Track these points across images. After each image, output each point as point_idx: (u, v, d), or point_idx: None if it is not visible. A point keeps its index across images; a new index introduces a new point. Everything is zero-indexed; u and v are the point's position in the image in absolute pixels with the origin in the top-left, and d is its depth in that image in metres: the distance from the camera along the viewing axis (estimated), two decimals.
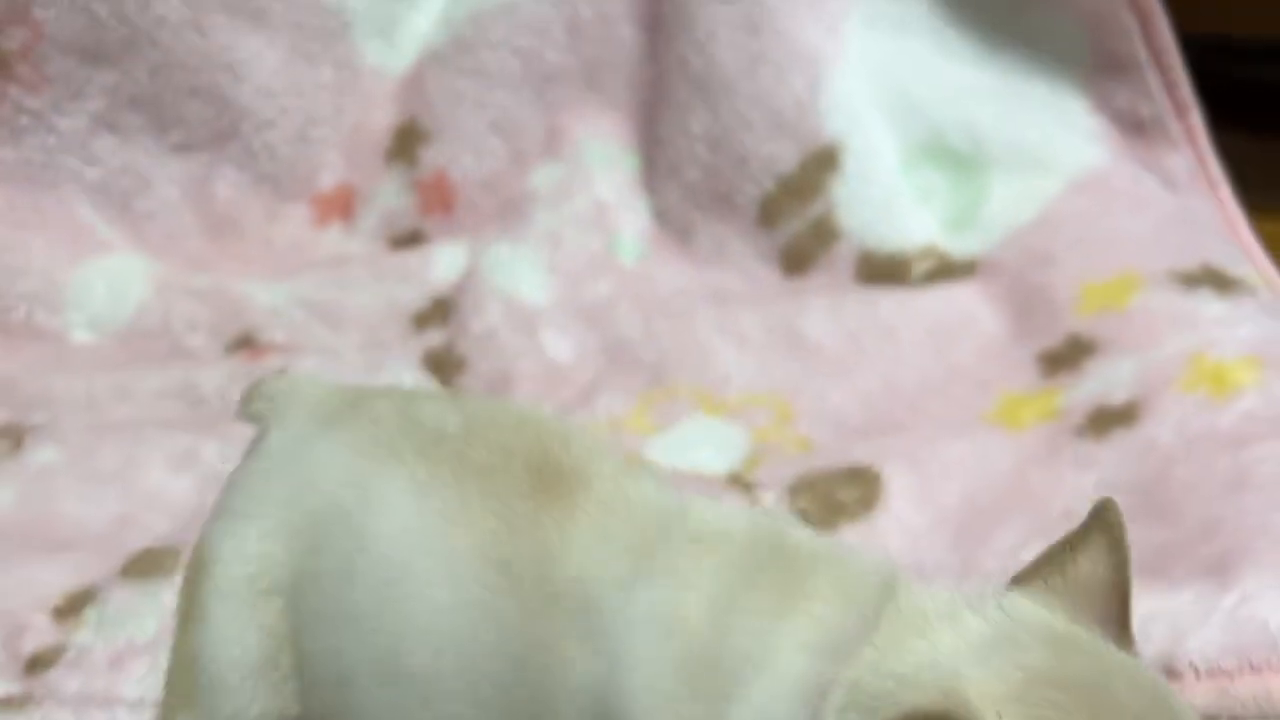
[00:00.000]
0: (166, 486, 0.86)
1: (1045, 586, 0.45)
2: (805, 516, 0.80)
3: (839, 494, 0.83)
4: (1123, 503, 0.75)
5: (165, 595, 0.75)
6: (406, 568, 0.49)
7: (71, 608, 0.76)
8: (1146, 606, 0.64)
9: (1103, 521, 0.46)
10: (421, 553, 0.49)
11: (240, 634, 0.53)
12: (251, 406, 0.59)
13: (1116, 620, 0.45)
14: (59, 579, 0.78)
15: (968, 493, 0.81)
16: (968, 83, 1.11)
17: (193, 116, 1.12)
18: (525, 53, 1.15)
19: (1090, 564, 0.45)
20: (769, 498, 0.84)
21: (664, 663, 0.45)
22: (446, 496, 0.50)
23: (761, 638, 0.44)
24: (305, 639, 0.52)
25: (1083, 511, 0.74)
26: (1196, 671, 0.63)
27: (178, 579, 0.75)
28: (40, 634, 0.75)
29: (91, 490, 0.85)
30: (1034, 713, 0.39)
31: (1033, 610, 0.44)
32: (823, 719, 0.42)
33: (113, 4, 1.06)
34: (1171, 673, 0.62)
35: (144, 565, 0.79)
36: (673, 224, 1.10)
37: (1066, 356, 0.90)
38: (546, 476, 0.50)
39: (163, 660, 0.57)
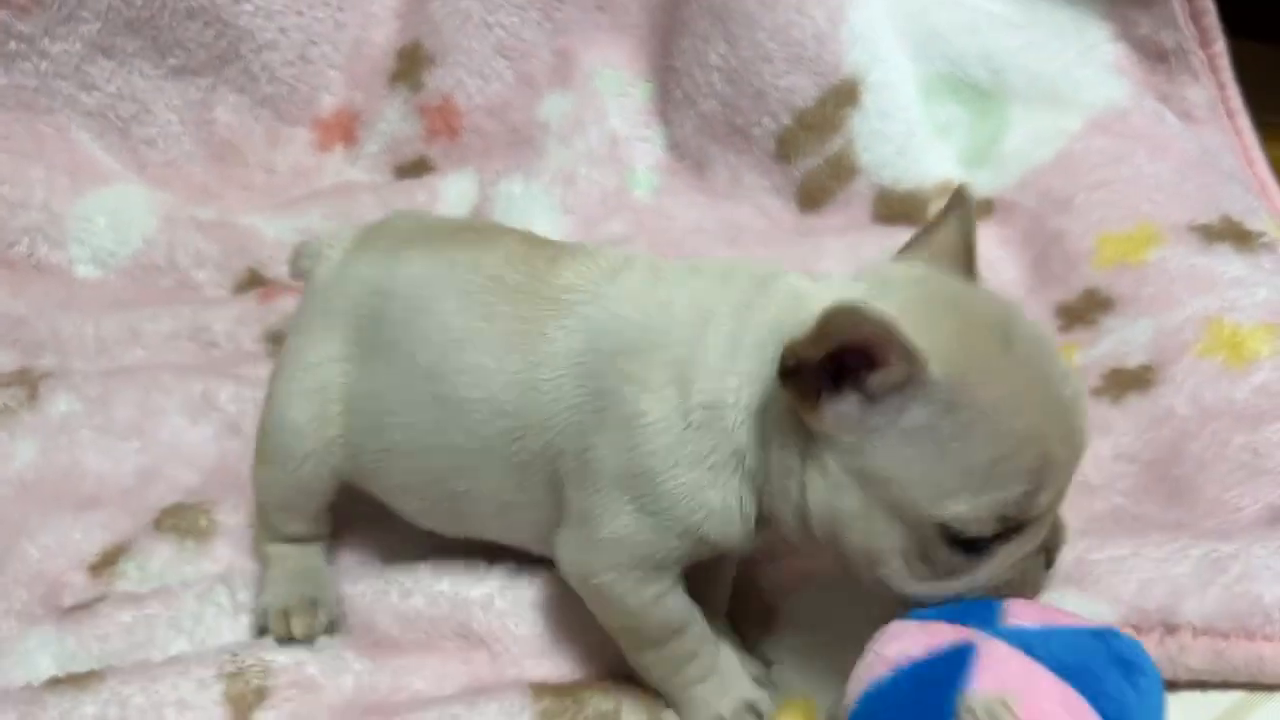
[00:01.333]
0: (186, 436, 0.87)
1: (911, 255, 0.63)
2: None
3: None
4: (1137, 475, 0.77)
5: (204, 561, 0.76)
6: (434, 307, 0.67)
7: (106, 563, 0.77)
8: (1149, 572, 0.66)
9: (957, 203, 0.63)
10: (445, 293, 0.67)
11: (301, 407, 0.70)
12: (298, 264, 0.80)
13: (966, 269, 0.62)
14: (91, 536, 0.79)
15: None
16: (989, 9, 1.08)
17: (190, 39, 1.08)
18: None
19: (946, 234, 0.63)
20: None
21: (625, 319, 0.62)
22: (467, 260, 0.68)
23: (698, 305, 0.61)
24: (363, 397, 0.69)
25: (1100, 481, 0.77)
26: (1194, 629, 0.65)
27: (215, 545, 0.77)
28: (78, 591, 0.76)
29: (112, 444, 0.86)
30: (920, 318, 0.54)
31: (903, 269, 0.61)
32: (748, 353, 0.59)
33: None
34: (1169, 627, 0.64)
35: (176, 520, 0.79)
36: (688, 156, 1.08)
37: (1084, 311, 0.90)
38: (534, 242, 0.70)
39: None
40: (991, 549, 0.56)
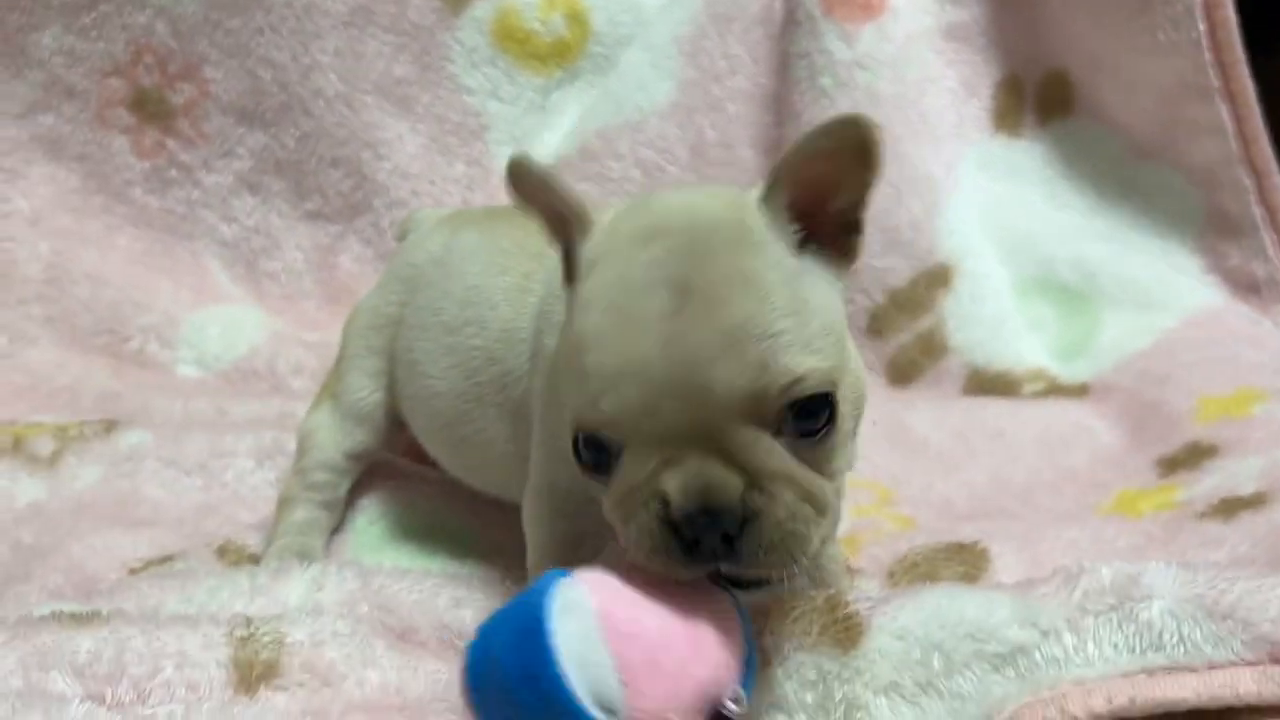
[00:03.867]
0: (249, 478, 0.86)
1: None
2: None
3: (942, 573, 0.78)
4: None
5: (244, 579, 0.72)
6: (464, 269, 0.73)
7: (147, 568, 0.74)
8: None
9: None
10: (475, 257, 0.73)
11: (363, 351, 0.81)
12: (401, 229, 0.92)
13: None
14: (139, 548, 0.76)
15: None
16: (1078, 222, 1.13)
17: (330, 187, 1.17)
18: (647, 165, 1.20)
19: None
20: (872, 584, 0.80)
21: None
22: (505, 230, 0.73)
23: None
24: (403, 348, 0.76)
25: None
26: None
27: (259, 575, 0.73)
28: (113, 585, 0.72)
29: (176, 477, 0.85)
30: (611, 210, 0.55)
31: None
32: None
33: (277, 71, 1.14)
34: None
35: (225, 549, 0.77)
36: None
37: (1186, 459, 0.87)
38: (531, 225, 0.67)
39: None
40: (607, 471, 0.52)
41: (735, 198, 0.54)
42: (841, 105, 1.11)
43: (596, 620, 0.48)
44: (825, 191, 0.53)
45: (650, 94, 1.21)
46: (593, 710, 0.46)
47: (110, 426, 0.89)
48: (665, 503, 0.49)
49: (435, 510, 0.80)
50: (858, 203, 0.54)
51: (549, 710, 0.47)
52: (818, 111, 1.12)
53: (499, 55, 1.20)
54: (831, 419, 0.52)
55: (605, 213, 0.56)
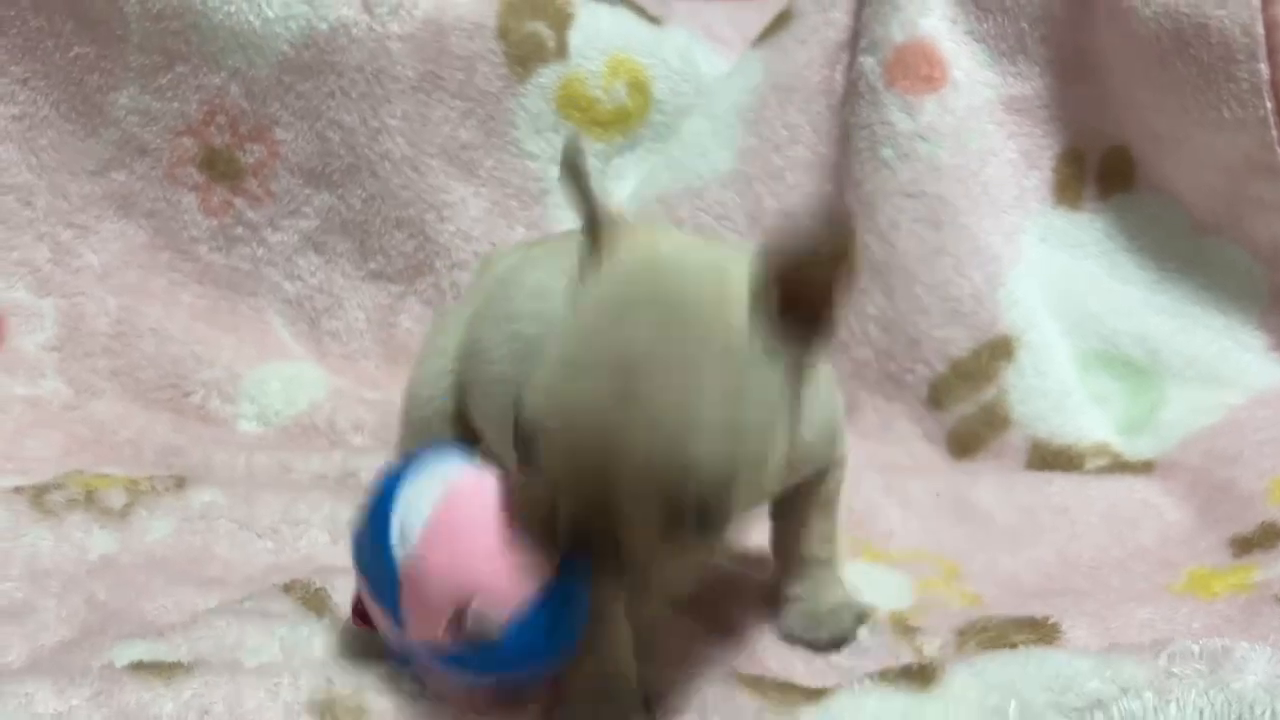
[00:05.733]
0: (322, 551, 0.85)
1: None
2: None
3: (1012, 636, 0.77)
4: None
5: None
6: (531, 273, 0.78)
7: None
8: None
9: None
10: (542, 266, 0.77)
11: (433, 361, 0.85)
12: (481, 262, 1.00)
13: None
14: (202, 602, 0.76)
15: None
16: (1143, 296, 1.12)
17: (393, 247, 1.19)
18: (706, 230, 1.20)
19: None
20: (935, 644, 0.79)
21: None
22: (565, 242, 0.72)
23: None
24: (463, 349, 0.82)
25: None
26: None
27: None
28: None
29: (249, 538, 0.85)
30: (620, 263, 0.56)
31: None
32: None
33: (345, 133, 1.16)
34: None
35: (290, 586, 0.76)
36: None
37: (1261, 540, 0.85)
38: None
39: None
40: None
41: (725, 274, 0.56)
42: (903, 176, 1.12)
43: (442, 489, 0.58)
44: (809, 288, 0.55)
45: (711, 161, 1.22)
46: (394, 534, 0.59)
47: (181, 483, 0.89)
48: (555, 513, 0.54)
49: None
50: (838, 297, 0.56)
51: (370, 518, 0.61)
52: (879, 182, 1.13)
53: (562, 122, 1.22)
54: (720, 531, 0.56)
55: (631, 234, 0.58)
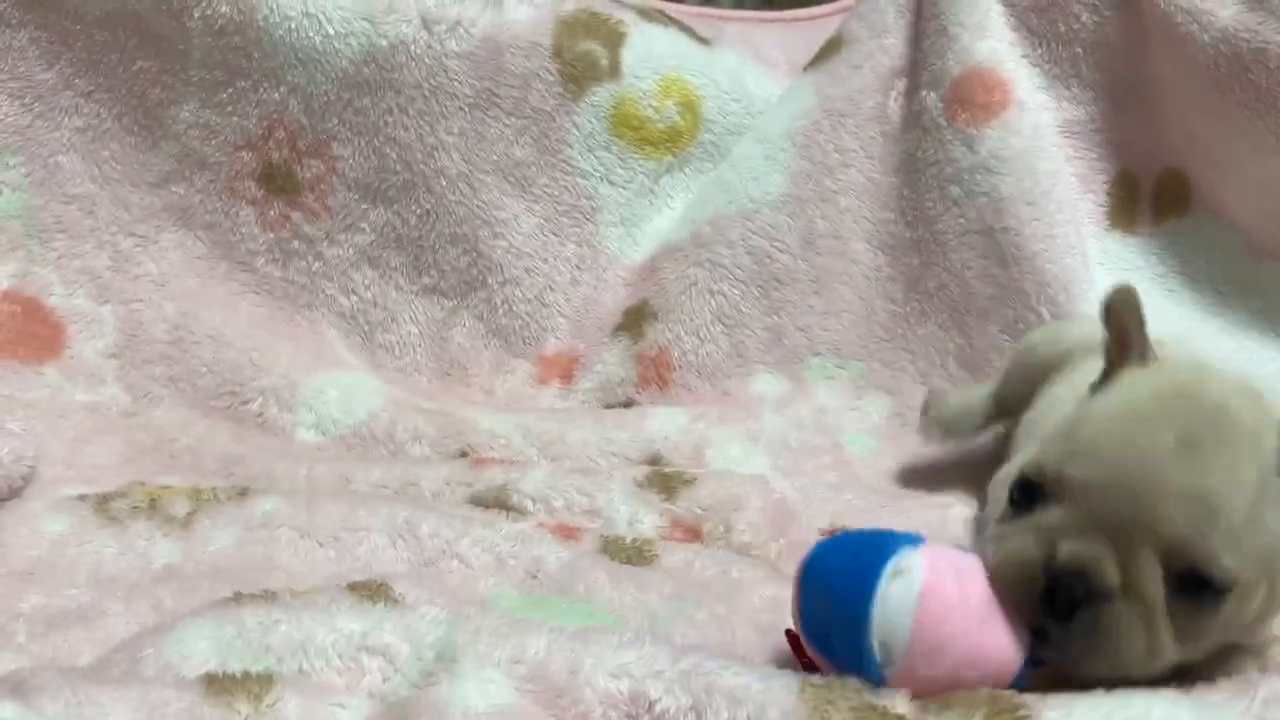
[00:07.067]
0: (382, 555, 0.85)
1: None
2: None
3: None
4: None
5: None
6: None
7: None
8: None
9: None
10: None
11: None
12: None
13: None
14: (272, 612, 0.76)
15: None
16: (1196, 324, 1.12)
17: (447, 263, 1.20)
18: (758, 253, 1.21)
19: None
20: None
21: None
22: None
23: None
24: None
25: None
26: None
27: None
28: None
29: (310, 547, 0.85)
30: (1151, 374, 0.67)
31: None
32: None
33: (402, 150, 1.17)
34: None
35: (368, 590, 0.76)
36: (911, 423, 1.11)
37: None
38: None
39: None
40: (1031, 506, 0.63)
41: (1260, 399, 0.64)
42: (969, 214, 1.15)
43: (917, 593, 0.59)
44: None
45: (763, 184, 1.22)
46: (877, 654, 0.59)
47: (244, 492, 0.90)
48: (1052, 554, 0.60)
49: None
50: None
51: (846, 632, 0.60)
52: (949, 221, 1.15)
53: (614, 140, 1.23)
54: (1214, 608, 0.60)
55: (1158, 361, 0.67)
